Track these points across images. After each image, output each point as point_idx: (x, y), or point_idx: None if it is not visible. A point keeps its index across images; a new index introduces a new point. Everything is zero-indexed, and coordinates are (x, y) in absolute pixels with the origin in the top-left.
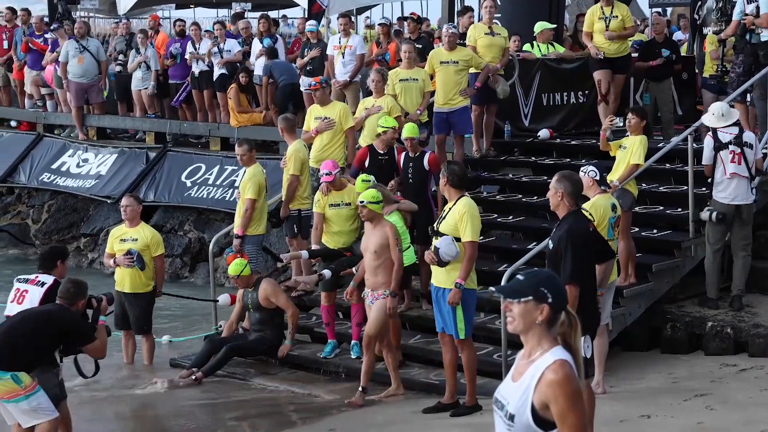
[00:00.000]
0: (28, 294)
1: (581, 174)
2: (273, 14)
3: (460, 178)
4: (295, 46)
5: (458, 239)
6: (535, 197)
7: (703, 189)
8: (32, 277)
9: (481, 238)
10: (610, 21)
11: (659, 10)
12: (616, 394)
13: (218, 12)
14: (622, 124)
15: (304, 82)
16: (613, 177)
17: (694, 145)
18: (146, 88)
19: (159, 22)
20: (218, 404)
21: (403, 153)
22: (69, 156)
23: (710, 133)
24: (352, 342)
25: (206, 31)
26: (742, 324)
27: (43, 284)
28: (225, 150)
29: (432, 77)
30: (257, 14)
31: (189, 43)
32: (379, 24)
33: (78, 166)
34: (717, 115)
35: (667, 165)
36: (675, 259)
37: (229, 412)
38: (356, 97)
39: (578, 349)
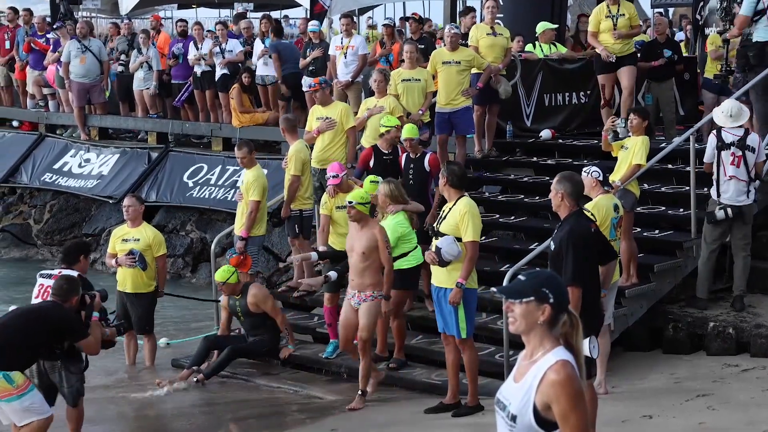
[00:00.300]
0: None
1: (584, 174)
2: (275, 14)
3: (460, 178)
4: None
5: (459, 239)
6: (537, 198)
7: (705, 189)
8: (55, 272)
9: (483, 238)
10: (617, 20)
11: (661, 10)
12: (618, 395)
13: (220, 12)
14: (623, 125)
15: (305, 82)
16: (615, 177)
17: (696, 145)
18: (148, 88)
19: (161, 22)
20: (220, 404)
21: (405, 154)
22: (71, 156)
23: (714, 131)
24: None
25: (208, 31)
26: (744, 324)
27: None
28: (227, 150)
29: (434, 77)
30: (259, 14)
31: (191, 43)
32: (384, 25)
33: (80, 166)
34: (727, 114)
35: (669, 165)
36: (677, 260)
37: (231, 413)
38: (358, 97)
39: (580, 350)
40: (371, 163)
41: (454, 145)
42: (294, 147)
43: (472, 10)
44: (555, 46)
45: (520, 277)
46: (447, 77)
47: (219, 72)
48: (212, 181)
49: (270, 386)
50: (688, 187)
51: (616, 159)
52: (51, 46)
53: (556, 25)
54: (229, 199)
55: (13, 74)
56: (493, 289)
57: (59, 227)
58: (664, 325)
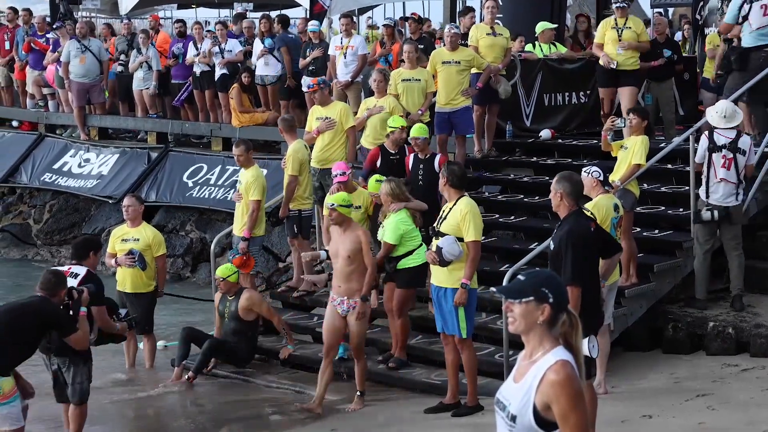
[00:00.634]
0: None
1: (584, 174)
2: (275, 14)
3: (460, 178)
4: None
5: (460, 239)
6: (537, 197)
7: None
8: (65, 268)
9: (483, 238)
10: (622, 31)
11: (660, 10)
12: (618, 394)
13: (220, 12)
14: (623, 125)
15: (305, 83)
16: (615, 177)
17: (696, 145)
18: (148, 88)
19: (159, 22)
20: (220, 405)
21: (412, 155)
22: (71, 156)
23: (706, 132)
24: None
25: (207, 31)
26: (743, 324)
27: (76, 275)
28: (227, 150)
29: (434, 77)
30: (259, 14)
31: (191, 43)
32: (384, 24)
33: (80, 166)
34: (720, 114)
35: (669, 165)
36: (676, 259)
37: (231, 413)
38: (358, 97)
39: (579, 350)
40: (378, 164)
41: (453, 145)
42: (292, 147)
43: (471, 10)
44: (554, 46)
45: (520, 276)
46: (447, 77)
47: (218, 72)
48: (212, 181)
49: (270, 386)
50: (687, 187)
51: (615, 159)
52: (51, 46)
53: (555, 25)
54: (228, 199)
55: (13, 74)
56: (493, 288)
57: (59, 227)
58: (664, 325)
